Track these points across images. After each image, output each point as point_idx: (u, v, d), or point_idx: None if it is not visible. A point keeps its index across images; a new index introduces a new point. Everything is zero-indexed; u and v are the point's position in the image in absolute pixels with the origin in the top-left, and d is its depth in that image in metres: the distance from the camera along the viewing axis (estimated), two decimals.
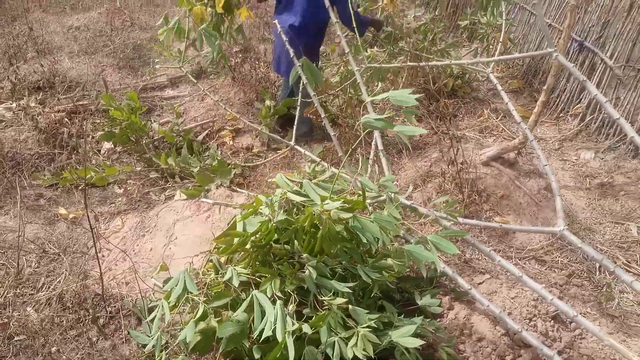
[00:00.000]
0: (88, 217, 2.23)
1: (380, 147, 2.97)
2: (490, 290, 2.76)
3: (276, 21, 3.29)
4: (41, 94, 4.70)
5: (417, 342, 1.89)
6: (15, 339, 2.40)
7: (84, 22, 7.21)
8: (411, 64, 3.37)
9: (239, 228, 2.12)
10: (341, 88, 3.85)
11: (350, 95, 4.11)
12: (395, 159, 4.00)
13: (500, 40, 3.60)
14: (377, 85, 4.68)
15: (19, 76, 4.85)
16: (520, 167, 3.75)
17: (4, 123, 4.12)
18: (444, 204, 2.54)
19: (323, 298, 1.93)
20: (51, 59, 5.32)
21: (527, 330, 2.46)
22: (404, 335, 1.93)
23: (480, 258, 3.04)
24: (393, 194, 2.30)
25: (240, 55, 5.98)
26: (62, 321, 2.51)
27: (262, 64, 5.49)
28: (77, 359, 2.32)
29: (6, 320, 2.41)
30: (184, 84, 5.40)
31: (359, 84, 3.01)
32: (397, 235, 2.74)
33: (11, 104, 4.37)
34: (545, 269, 3.03)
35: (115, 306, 2.61)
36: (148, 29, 7.09)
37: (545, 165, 2.80)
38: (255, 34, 6.82)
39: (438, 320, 2.55)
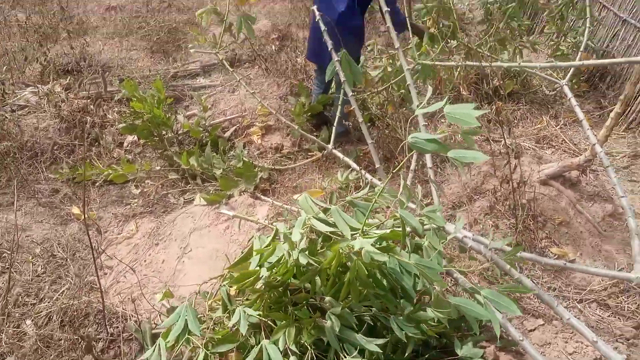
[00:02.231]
0: (88, 233, 1.97)
1: (429, 164, 2.60)
2: (544, 341, 2.36)
3: (314, 7, 2.84)
4: (69, 78, 4.51)
5: None
6: (7, 359, 2.20)
7: (122, 1, 7.04)
8: (471, 63, 2.92)
9: (254, 262, 1.81)
10: (384, 87, 3.44)
11: (393, 92, 3.69)
12: (439, 169, 3.59)
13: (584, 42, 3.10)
14: (424, 86, 4.25)
15: (49, 58, 4.68)
16: (583, 188, 3.27)
17: (27, 109, 3.95)
18: (501, 240, 2.16)
19: (346, 358, 1.60)
20: (83, 41, 5.13)
21: None
22: None
23: (532, 298, 2.63)
24: (439, 228, 1.93)
25: (277, 43, 5.63)
26: (61, 340, 2.29)
27: (299, 53, 5.13)
28: None
29: None
30: (216, 72, 5.11)
31: (408, 86, 2.62)
32: (446, 271, 2.37)
33: (36, 88, 4.20)
34: (609, 316, 2.59)
35: (117, 327, 2.37)
36: (185, 10, 6.83)
37: (622, 197, 2.36)
38: (295, 18, 6.44)
39: None
